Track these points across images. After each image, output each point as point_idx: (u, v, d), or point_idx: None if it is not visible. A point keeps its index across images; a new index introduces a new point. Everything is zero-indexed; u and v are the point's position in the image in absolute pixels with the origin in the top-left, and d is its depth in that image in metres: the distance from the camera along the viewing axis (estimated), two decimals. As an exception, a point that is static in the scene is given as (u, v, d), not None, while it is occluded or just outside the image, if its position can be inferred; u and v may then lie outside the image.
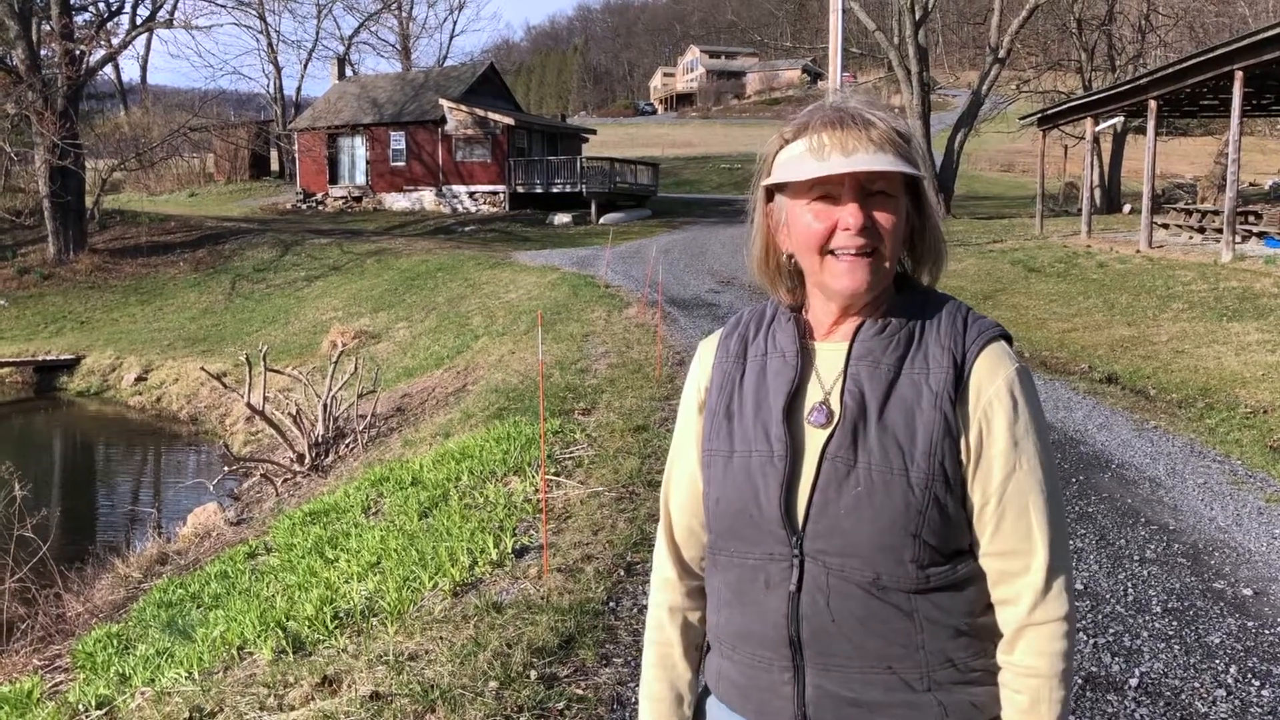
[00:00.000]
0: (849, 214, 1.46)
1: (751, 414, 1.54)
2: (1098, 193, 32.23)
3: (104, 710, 4.64)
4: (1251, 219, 18.79)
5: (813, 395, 1.53)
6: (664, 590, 1.71)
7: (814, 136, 1.49)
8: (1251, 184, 35.00)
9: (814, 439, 1.49)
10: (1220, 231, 17.02)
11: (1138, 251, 18.03)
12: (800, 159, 1.49)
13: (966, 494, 1.48)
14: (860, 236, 1.46)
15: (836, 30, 16.52)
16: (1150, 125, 19.11)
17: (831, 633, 1.46)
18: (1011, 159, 54.95)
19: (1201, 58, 16.63)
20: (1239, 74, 15.48)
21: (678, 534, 1.69)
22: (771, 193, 1.57)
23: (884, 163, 1.45)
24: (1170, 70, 18.02)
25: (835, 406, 1.50)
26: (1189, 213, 21.89)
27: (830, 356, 1.54)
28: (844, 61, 17.51)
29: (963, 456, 1.46)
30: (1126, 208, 33.45)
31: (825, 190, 1.48)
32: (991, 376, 1.48)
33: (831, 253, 1.49)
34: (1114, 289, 15.12)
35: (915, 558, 1.43)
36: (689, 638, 1.69)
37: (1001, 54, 32.30)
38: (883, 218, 1.48)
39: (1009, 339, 1.54)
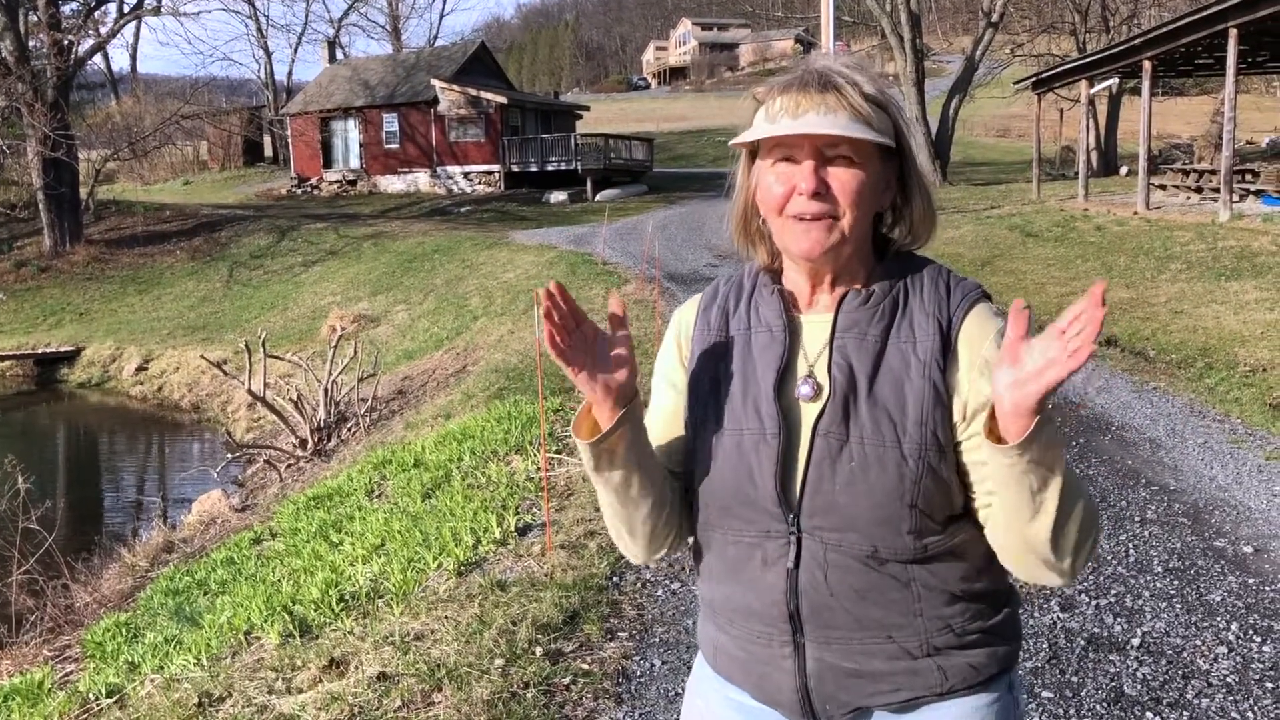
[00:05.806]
0: (802, 177, 1.43)
1: (740, 391, 1.52)
2: (1094, 155, 32.10)
3: (114, 698, 4.67)
4: (1249, 177, 18.68)
5: (799, 369, 1.51)
6: None
7: (774, 98, 1.47)
8: (1249, 142, 34.86)
9: (805, 414, 1.48)
10: (1217, 191, 16.95)
11: (1135, 213, 17.97)
12: (758, 121, 1.48)
13: (960, 457, 1.45)
14: (814, 201, 1.43)
15: (828, -1, 16.41)
16: (1145, 86, 18.98)
17: (831, 607, 1.46)
18: (1007, 124, 54.66)
19: (1195, 16, 16.49)
20: (1234, 32, 15.36)
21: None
22: (755, 153, 1.55)
23: (831, 125, 1.40)
24: (1164, 30, 17.88)
25: (822, 379, 1.48)
26: (1186, 173, 21.78)
27: (815, 329, 1.52)
28: (837, 30, 17.39)
29: (956, 419, 1.44)
30: (1124, 170, 33.30)
31: (787, 153, 1.46)
32: (981, 336, 1.45)
33: (791, 216, 1.46)
34: (1112, 251, 15.08)
35: (912, 528, 1.42)
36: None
37: (995, 18, 32.10)
38: (840, 183, 1.43)
39: (990, 298, 1.51)
